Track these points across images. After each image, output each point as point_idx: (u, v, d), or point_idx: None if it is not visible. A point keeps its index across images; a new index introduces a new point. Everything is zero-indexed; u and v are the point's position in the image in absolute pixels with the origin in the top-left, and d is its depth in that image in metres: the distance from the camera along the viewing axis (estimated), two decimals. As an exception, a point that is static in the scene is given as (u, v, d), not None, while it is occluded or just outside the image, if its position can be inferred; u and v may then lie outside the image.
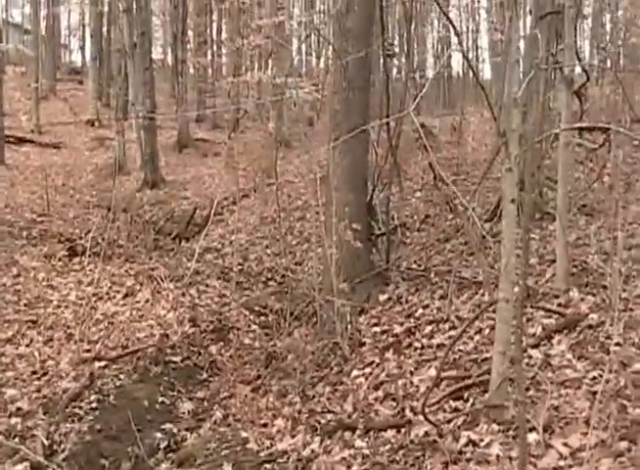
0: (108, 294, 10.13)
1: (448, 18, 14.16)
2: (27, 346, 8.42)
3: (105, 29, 35.62)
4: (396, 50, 25.65)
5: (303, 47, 33.36)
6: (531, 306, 7.20)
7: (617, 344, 5.60)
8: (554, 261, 8.17)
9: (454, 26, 10.56)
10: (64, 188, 18.87)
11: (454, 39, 28.82)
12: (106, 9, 32.86)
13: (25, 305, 9.61)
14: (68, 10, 44.23)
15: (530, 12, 9.52)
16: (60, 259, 11.75)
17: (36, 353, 8.19)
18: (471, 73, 25.00)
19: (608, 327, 6.08)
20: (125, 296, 10.09)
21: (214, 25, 38.31)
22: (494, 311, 5.52)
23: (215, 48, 37.81)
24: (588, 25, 21.53)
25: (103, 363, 7.99)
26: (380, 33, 10.96)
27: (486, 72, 35.84)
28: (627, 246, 8.26)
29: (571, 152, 8.58)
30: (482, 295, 8.14)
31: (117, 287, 10.39)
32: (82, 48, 50.27)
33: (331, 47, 10.44)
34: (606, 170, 10.91)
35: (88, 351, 8.30)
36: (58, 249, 12.27)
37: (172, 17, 31.57)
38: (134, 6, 22.00)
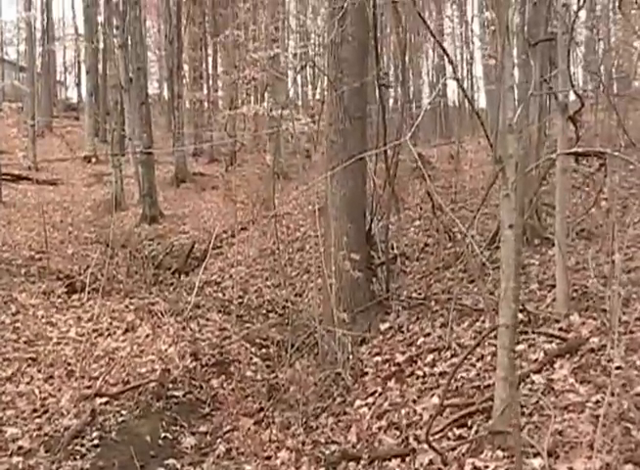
0: (108, 330, 10.07)
1: (442, 47, 14.22)
2: (28, 383, 8.35)
3: (100, 65, 35.85)
4: (392, 80, 25.78)
5: (299, 79, 33.47)
6: (533, 332, 7.21)
7: (619, 367, 5.58)
8: (554, 286, 8.16)
9: (448, 56, 10.62)
10: (61, 225, 18.89)
11: (449, 68, 28.94)
12: (101, 45, 33.14)
13: (25, 342, 9.55)
14: (63, 47, 44.70)
15: (524, 39, 9.54)
16: (59, 296, 11.74)
17: (37, 391, 8.12)
18: (466, 102, 25.07)
19: (609, 350, 6.06)
20: (126, 331, 10.02)
21: (210, 59, 38.54)
22: (495, 338, 5.49)
23: (211, 82, 37.97)
24: (581, 52, 21.67)
25: (104, 399, 7.93)
26: (375, 63, 11.01)
27: (482, 101, 36.08)
28: (626, 269, 8.30)
29: (567, 177, 8.61)
30: (483, 321, 8.11)
31: (118, 322, 10.34)
32: (78, 84, 50.68)
33: (326, 78, 10.46)
34: (602, 195, 10.94)
35: (89, 387, 8.23)
36: (57, 285, 12.26)
37: (168, 51, 31.86)
38: (129, 42, 22.18)
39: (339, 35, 9.03)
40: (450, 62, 10.43)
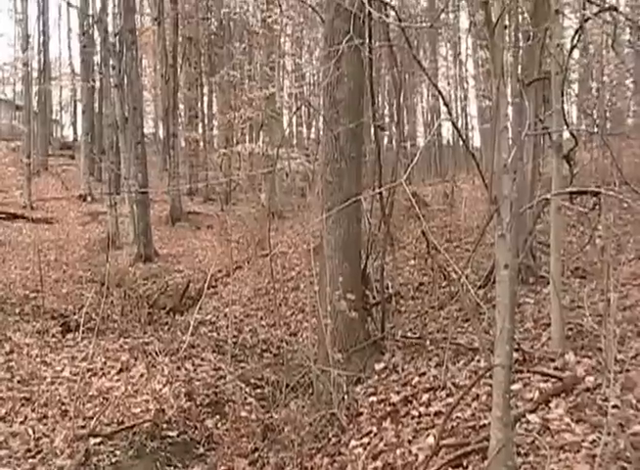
0: (102, 369, 10.01)
1: (437, 88, 14.33)
2: (21, 423, 8.29)
3: (96, 105, 36.05)
4: (387, 120, 25.97)
5: (294, 118, 33.62)
6: (528, 371, 7.20)
7: (615, 406, 5.58)
8: (549, 325, 8.19)
9: (443, 97, 10.67)
10: (56, 263, 18.83)
11: (443, 108, 29.17)
12: (97, 84, 33.32)
13: (19, 381, 9.48)
14: (59, 86, 44.88)
15: (518, 79, 9.64)
16: (53, 335, 11.71)
17: (30, 431, 8.05)
18: (461, 142, 25.22)
19: (605, 389, 6.09)
20: (120, 371, 9.96)
21: (205, 99, 38.85)
22: (491, 377, 5.49)
23: (206, 121, 38.22)
24: (574, 91, 21.84)
25: (98, 440, 7.89)
26: (370, 104, 11.10)
27: (476, 139, 36.34)
28: (621, 307, 8.33)
29: (562, 216, 8.66)
30: (478, 361, 8.13)
31: (112, 362, 10.27)
32: (74, 123, 50.88)
33: (322, 118, 10.53)
34: (597, 233, 10.99)
35: (83, 427, 8.18)
36: (51, 325, 12.24)
37: (163, 91, 32.02)
38: (125, 81, 22.29)
39: (335, 76, 9.07)
40: (445, 104, 10.49)
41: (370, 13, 8.53)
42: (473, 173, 20.15)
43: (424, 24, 18.56)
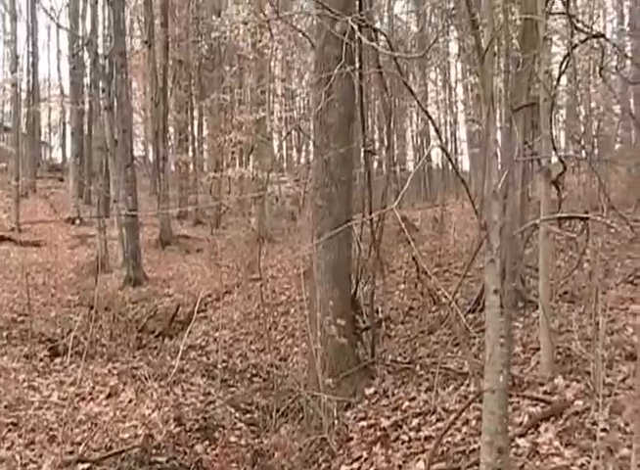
0: (90, 394, 9.92)
1: (427, 113, 14.40)
2: (8, 449, 8.20)
3: (86, 127, 36.06)
4: (377, 145, 26.07)
5: (284, 142, 33.76)
6: (517, 395, 7.22)
7: (604, 429, 5.64)
8: (538, 349, 8.22)
9: (433, 122, 10.77)
10: (44, 287, 18.76)
11: (433, 133, 29.34)
12: (86, 107, 33.37)
13: (6, 406, 9.36)
14: (48, 108, 44.91)
15: (507, 104, 9.71)
16: (41, 360, 11.63)
17: (17, 457, 7.95)
18: (450, 167, 25.34)
19: (593, 413, 6.15)
20: (109, 396, 9.87)
21: (195, 122, 38.88)
22: (481, 402, 5.50)
23: (196, 144, 38.27)
24: (563, 117, 21.98)
25: (86, 465, 7.80)
26: (360, 129, 11.15)
27: (465, 164, 36.52)
28: (609, 331, 8.36)
29: (551, 241, 8.71)
30: (468, 385, 8.17)
31: (100, 387, 10.19)
32: (63, 145, 50.91)
33: (312, 142, 10.60)
34: (585, 257, 11.05)
35: (71, 452, 8.09)
36: (39, 349, 12.17)
37: (153, 114, 32.07)
38: (115, 104, 22.31)
39: (325, 101, 9.12)
40: (435, 129, 10.61)
41: (361, 39, 8.59)
42: (462, 198, 20.25)
43: (415, 55, 18.68)
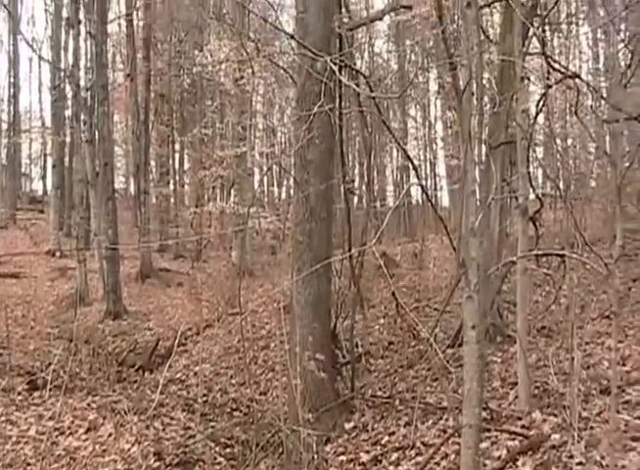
0: (69, 428, 9.82)
1: (405, 152, 14.61)
2: (-15, 484, 8.21)
3: (67, 159, 36.05)
4: (357, 181, 26.24)
5: (265, 178, 33.94)
6: (496, 430, 7.30)
7: (580, 463, 5.72)
8: (516, 384, 8.31)
9: (411, 161, 10.90)
10: (24, 319, 18.65)
11: (412, 171, 29.63)
12: (68, 139, 33.39)
13: (-17, 441, 9.39)
14: (29, 139, 44.82)
15: (485, 142, 9.86)
16: (19, 393, 11.53)
17: (-5, 492, 7.99)
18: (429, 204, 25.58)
19: (570, 447, 6.21)
20: (88, 430, 9.77)
21: (177, 156, 38.91)
22: (459, 436, 5.56)
23: (178, 178, 38.35)
24: (540, 155, 22.24)
25: (66, 500, 7.82)
26: (340, 166, 11.27)
27: (445, 199, 36.79)
28: (585, 365, 8.51)
29: (528, 276, 8.80)
30: (447, 420, 8.21)
31: (80, 421, 10.09)
32: (44, 177, 50.70)
33: (293, 179, 10.69)
34: (562, 293, 11.18)
35: (50, 487, 8.11)
36: (17, 382, 12.07)
37: (135, 147, 32.10)
38: (96, 136, 22.34)
39: (305, 138, 9.21)
40: (414, 168, 10.72)
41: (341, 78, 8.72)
42: (441, 233, 20.36)
43: (393, 95, 18.89)
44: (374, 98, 10.45)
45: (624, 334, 9.97)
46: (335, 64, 8.10)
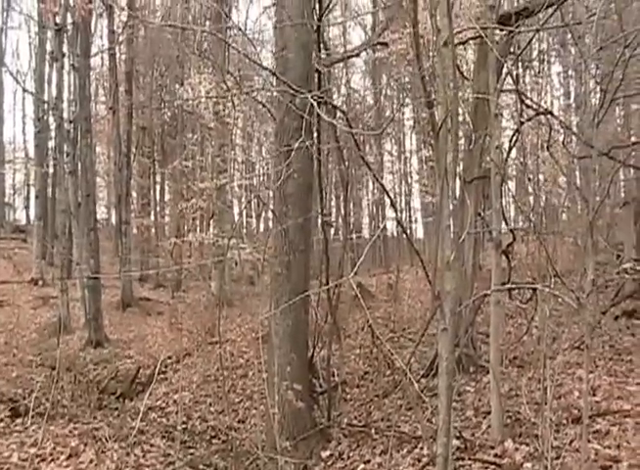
0: (51, 455, 9.78)
1: (383, 186, 14.82)
2: (-32, 512, 8.23)
3: (50, 189, 36.01)
4: (334, 213, 26.46)
5: (244, 210, 34.09)
6: (469, 458, 7.43)
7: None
8: (489, 413, 8.44)
9: (388, 194, 11.12)
10: (6, 347, 18.62)
11: (389, 202, 29.83)
12: (51, 170, 33.38)
13: (-35, 469, 9.40)
14: (12, 170, 44.79)
15: (459, 177, 10.11)
16: (1, 420, 11.49)
17: (-23, 520, 8.00)
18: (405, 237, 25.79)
19: (541, 475, 6.25)
20: (69, 457, 9.73)
21: (158, 187, 38.97)
22: (434, 465, 5.68)
23: (158, 209, 38.43)
24: (513, 189, 22.52)
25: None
26: (318, 199, 11.47)
27: (419, 231, 37.11)
28: (557, 395, 8.65)
29: (501, 308, 8.95)
30: (422, 449, 8.29)
31: (61, 448, 10.05)
32: (27, 207, 50.48)
33: (271, 211, 10.87)
34: (534, 324, 11.35)
35: (32, 514, 8.14)
36: (0, 409, 12.14)
37: (117, 178, 32.15)
38: (79, 168, 22.46)
39: (285, 173, 9.37)
40: (391, 201, 10.96)
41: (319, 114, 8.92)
42: (416, 265, 20.58)
43: (371, 132, 19.13)
44: (352, 134, 10.64)
45: (595, 365, 10.18)
46: (314, 100, 8.30)
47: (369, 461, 8.66)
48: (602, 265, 15.94)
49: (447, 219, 5.58)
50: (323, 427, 10.12)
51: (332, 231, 22.91)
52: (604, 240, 15.70)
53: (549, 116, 9.46)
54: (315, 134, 10.65)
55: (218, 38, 16.38)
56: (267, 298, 10.46)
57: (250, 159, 33.08)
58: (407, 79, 26.58)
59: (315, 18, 10.87)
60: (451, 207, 5.83)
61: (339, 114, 11.60)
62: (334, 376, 11.98)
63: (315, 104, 8.19)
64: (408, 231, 33.30)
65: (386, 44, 13.50)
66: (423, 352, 12.79)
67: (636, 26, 8.48)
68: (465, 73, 13.82)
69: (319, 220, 11.71)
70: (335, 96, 30.69)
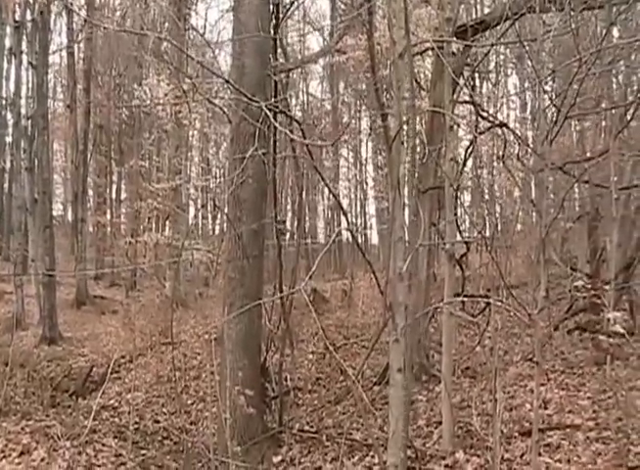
0: (3, 451, 9.73)
1: (336, 198, 14.93)
2: None
3: (6, 185, 35.73)
4: (289, 218, 26.52)
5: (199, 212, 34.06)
6: (420, 469, 7.52)
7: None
8: (441, 423, 8.51)
9: (341, 206, 11.22)
10: (-42, 344, 18.53)
11: (342, 211, 29.91)
12: (8, 165, 33.12)
13: None
14: (-32, 165, 44.25)
15: (414, 186, 10.21)
16: (-47, 417, 11.53)
17: None
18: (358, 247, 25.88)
19: (492, 487, 6.33)
20: (21, 454, 9.66)
21: (114, 186, 38.78)
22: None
23: (114, 208, 38.21)
24: (467, 200, 22.69)
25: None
26: (273, 205, 11.52)
27: (374, 237, 37.26)
28: (508, 407, 8.77)
29: (454, 319, 9.06)
30: (373, 457, 8.38)
31: (13, 445, 9.96)
32: (-19, 203, 49.94)
33: (225, 217, 10.89)
34: (487, 334, 11.47)
35: (-18, 512, 8.10)
36: (-48, 405, 12.03)
37: (73, 176, 32.02)
38: (36, 164, 22.38)
39: (239, 178, 9.33)
40: (344, 214, 11.03)
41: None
42: (370, 271, 20.70)
43: (326, 143, 19.21)
44: (307, 145, 10.64)
45: (546, 377, 10.19)
46: (270, 110, 8.34)
47: (320, 468, 8.74)
48: (556, 278, 16.13)
49: (400, 230, 5.65)
50: (275, 432, 10.16)
51: (287, 236, 22.94)
52: (557, 254, 15.90)
53: (504, 128, 9.51)
54: (271, 141, 10.71)
55: (173, 44, 16.35)
56: (221, 300, 10.47)
57: (206, 160, 33.04)
58: (364, 86, 26.81)
59: (272, 24, 10.95)
60: (405, 217, 5.89)
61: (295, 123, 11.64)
62: (286, 381, 12.03)
63: (270, 113, 8.23)
64: (363, 237, 33.56)
65: (343, 52, 13.61)
66: (375, 360, 12.85)
67: (592, 42, 8.62)
68: (422, 84, 13.94)
69: (273, 226, 11.74)
70: (293, 101, 30.86)
